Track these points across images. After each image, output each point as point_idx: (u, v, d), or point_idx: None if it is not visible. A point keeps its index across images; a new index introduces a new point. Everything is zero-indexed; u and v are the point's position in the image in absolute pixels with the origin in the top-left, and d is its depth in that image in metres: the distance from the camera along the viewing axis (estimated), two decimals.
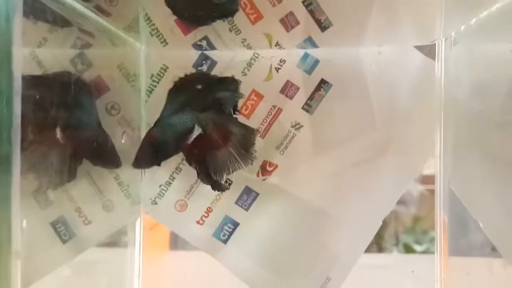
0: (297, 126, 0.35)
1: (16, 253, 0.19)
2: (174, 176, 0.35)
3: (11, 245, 0.20)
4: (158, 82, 0.35)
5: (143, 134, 0.35)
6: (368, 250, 0.35)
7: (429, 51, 0.33)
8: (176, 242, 0.58)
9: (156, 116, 0.33)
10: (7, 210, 0.20)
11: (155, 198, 0.35)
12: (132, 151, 0.34)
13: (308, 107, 0.34)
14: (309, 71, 0.34)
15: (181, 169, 0.35)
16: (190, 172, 0.34)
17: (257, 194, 0.34)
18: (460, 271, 0.34)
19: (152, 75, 0.35)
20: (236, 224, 0.34)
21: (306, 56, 0.34)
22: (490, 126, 0.31)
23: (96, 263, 0.35)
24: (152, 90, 0.35)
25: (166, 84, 0.35)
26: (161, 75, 0.35)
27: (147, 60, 0.35)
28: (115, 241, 0.36)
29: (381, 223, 0.34)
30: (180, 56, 0.35)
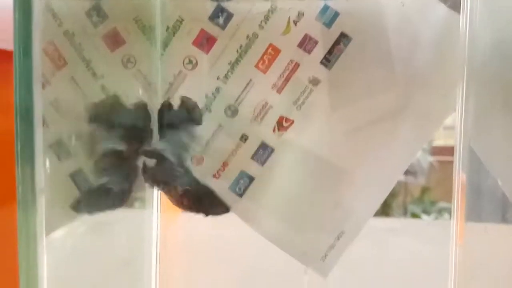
0: (314, 82, 0.34)
1: (40, 190, 0.20)
2: None
3: (35, 183, 0.20)
4: (173, 35, 0.34)
5: (159, 87, 0.34)
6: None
7: (453, 3, 0.32)
8: None
9: (172, 68, 0.33)
10: (30, 150, 0.20)
11: None
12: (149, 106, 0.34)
13: (326, 61, 0.34)
14: (329, 24, 0.33)
15: None
16: (205, 127, 0.34)
17: (273, 150, 0.34)
18: (477, 235, 0.33)
19: (168, 28, 0.34)
20: (251, 179, 0.34)
21: (325, 8, 0.33)
22: None
23: (114, 224, 0.35)
24: (168, 43, 0.34)
25: (181, 37, 0.34)
26: (177, 27, 0.34)
27: (163, 11, 0.34)
28: (132, 200, 0.36)
29: (396, 181, 0.34)
30: (196, 7, 0.34)
